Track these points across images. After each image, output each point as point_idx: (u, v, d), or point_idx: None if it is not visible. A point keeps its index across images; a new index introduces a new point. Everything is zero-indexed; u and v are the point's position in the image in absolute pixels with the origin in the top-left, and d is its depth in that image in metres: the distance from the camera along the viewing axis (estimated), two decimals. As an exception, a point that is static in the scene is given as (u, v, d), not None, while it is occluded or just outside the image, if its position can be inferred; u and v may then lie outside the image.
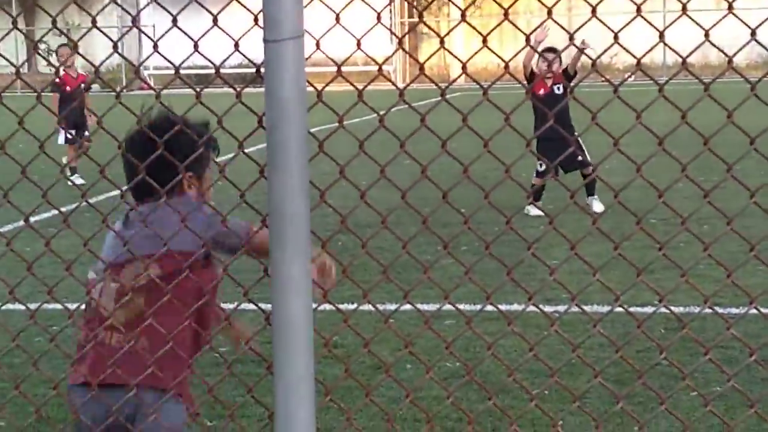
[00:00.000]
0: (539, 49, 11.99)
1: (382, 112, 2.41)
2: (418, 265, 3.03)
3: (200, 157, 3.39)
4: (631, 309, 7.33)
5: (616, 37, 2.24)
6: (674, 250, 9.12)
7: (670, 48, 2.40)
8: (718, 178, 11.79)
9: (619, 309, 7.24)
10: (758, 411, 2.78)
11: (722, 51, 2.39)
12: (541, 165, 12.27)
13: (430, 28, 2.66)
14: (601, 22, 2.43)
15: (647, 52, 2.45)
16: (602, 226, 2.68)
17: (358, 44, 2.34)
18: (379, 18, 2.33)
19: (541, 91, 12.47)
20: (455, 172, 2.38)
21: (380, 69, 2.45)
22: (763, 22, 2.47)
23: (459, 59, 2.23)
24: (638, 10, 2.29)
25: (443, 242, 2.57)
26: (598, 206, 12.14)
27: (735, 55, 2.33)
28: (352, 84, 2.48)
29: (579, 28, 2.42)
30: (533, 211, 12.13)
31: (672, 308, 7.47)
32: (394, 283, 2.82)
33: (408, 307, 3.14)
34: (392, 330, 3.08)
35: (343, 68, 2.35)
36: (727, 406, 5.59)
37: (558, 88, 12.46)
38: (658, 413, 5.43)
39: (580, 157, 11.75)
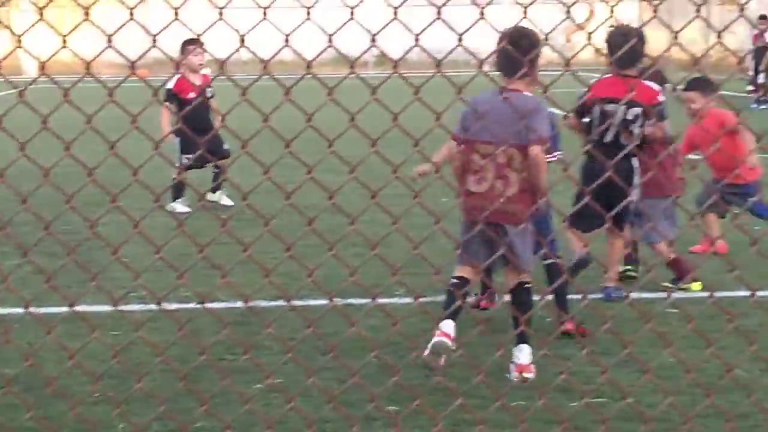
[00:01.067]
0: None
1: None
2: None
3: None
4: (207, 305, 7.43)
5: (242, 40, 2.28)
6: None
7: (294, 48, 2.47)
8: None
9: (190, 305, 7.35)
10: (336, 405, 2.92)
11: (300, 55, 2.50)
12: (188, 159, 11.63)
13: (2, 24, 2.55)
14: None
15: (274, 55, 2.50)
16: (187, 227, 2.70)
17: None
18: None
19: (191, 94, 11.64)
20: (36, 174, 2.30)
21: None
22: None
23: (38, 59, 2.15)
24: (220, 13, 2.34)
25: (16, 246, 2.49)
26: (227, 200, 12.28)
27: (314, 58, 2.45)
28: None
29: (208, 28, 2.42)
30: (180, 208, 11.87)
31: (248, 303, 7.54)
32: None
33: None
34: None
35: None
36: (316, 404, 5.78)
37: (210, 92, 11.85)
38: (219, 408, 5.54)
39: (225, 146, 11.81)
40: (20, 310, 7.31)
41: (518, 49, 5.78)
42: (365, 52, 2.82)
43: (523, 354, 6.09)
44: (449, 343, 5.96)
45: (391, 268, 2.87)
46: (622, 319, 6.81)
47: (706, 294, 7.65)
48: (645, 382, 5.73)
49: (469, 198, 6.13)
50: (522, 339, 6.12)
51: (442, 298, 7.50)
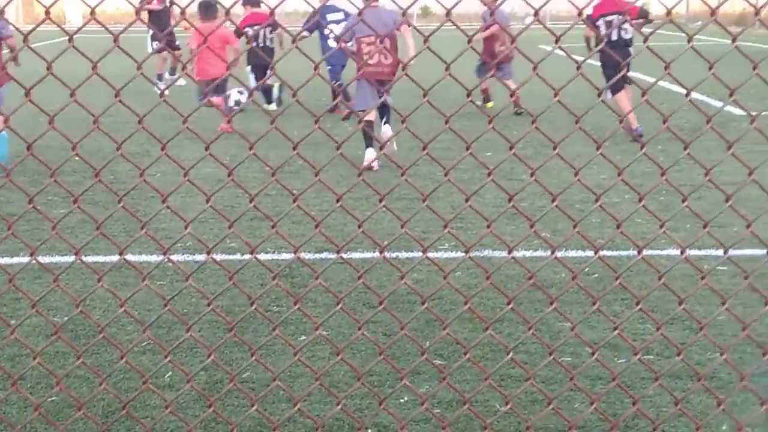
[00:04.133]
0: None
1: None
2: None
3: None
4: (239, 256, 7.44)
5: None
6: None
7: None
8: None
9: (236, 256, 7.39)
10: (384, 359, 2.88)
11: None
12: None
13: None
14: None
15: None
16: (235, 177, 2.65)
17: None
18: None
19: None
20: (83, 124, 2.26)
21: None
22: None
23: (87, 4, 2.11)
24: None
25: (65, 195, 2.46)
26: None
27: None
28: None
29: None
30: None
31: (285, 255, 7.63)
32: None
33: None
34: None
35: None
36: (363, 357, 5.81)
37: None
38: (266, 359, 5.54)
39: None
40: (69, 259, 7.37)
41: None
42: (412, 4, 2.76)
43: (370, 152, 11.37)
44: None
45: (441, 221, 2.81)
46: (672, 277, 6.72)
47: (759, 252, 7.54)
48: (696, 340, 5.65)
49: (367, 67, 11.13)
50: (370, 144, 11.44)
51: (495, 252, 7.50)
